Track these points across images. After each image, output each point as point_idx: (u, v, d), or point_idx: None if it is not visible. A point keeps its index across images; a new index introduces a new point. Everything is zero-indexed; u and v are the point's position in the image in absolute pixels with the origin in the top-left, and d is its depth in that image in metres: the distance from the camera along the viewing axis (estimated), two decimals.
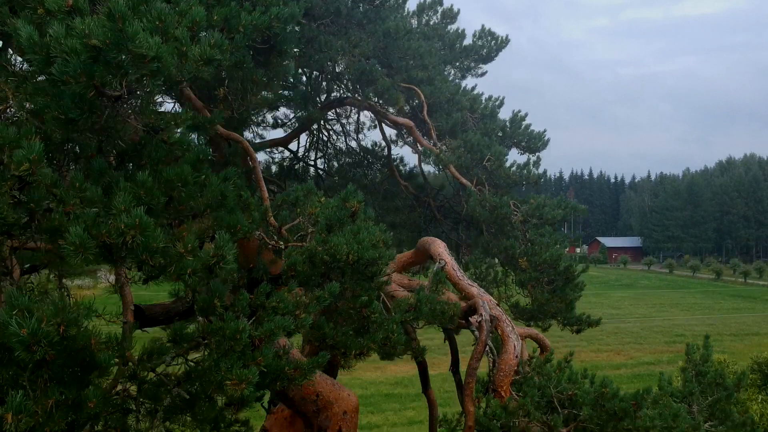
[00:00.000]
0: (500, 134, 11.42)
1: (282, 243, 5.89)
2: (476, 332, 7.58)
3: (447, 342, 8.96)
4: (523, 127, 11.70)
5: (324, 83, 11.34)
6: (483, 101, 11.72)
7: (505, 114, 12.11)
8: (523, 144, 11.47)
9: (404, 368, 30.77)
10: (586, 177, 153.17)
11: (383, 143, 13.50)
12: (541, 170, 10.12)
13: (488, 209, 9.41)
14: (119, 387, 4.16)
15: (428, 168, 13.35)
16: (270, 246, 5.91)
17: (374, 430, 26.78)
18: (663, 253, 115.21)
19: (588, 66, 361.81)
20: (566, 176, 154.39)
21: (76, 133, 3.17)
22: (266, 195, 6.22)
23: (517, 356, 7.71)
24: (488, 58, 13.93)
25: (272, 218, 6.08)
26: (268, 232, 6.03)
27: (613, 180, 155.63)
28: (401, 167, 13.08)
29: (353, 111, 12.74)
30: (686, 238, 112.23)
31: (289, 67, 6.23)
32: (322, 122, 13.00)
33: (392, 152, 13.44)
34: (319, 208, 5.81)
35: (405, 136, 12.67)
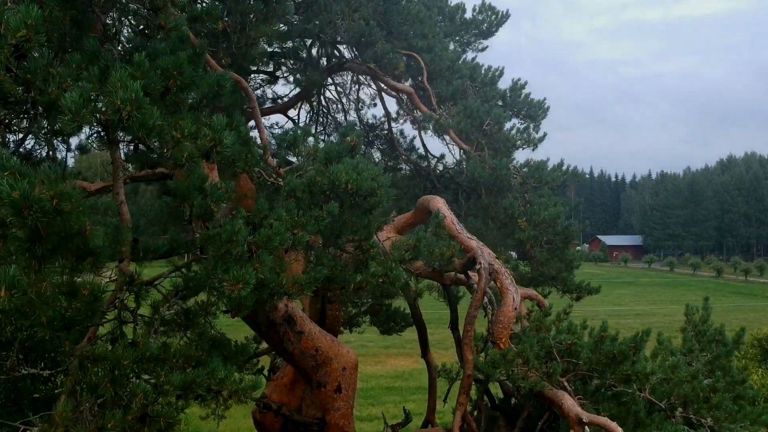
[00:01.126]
0: (500, 103, 11.41)
1: (281, 181, 5.88)
2: (475, 285, 7.57)
3: (446, 300, 8.95)
4: (523, 96, 11.70)
5: (323, 49, 11.32)
6: (483, 71, 11.71)
7: (504, 85, 12.08)
8: (523, 112, 11.47)
9: (404, 362, 30.84)
10: (587, 176, 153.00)
11: (384, 119, 13.51)
12: (540, 134, 10.12)
13: (488, 171, 9.40)
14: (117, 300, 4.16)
15: (430, 143, 13.38)
16: (269, 183, 5.90)
17: (375, 421, 26.78)
18: (664, 252, 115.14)
19: (588, 66, 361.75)
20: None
21: (74, 10, 3.16)
22: (265, 136, 6.22)
23: (516, 308, 7.69)
24: (488, 33, 13.92)
25: (270, 158, 6.07)
26: (268, 172, 6.02)
27: (613, 179, 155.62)
28: (401, 139, 13.08)
29: (353, 87, 12.77)
30: (687, 236, 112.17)
31: (288, 6, 6.22)
32: (322, 97, 13.02)
33: (392, 131, 13.45)
34: (318, 149, 5.80)
35: (405, 108, 12.67)
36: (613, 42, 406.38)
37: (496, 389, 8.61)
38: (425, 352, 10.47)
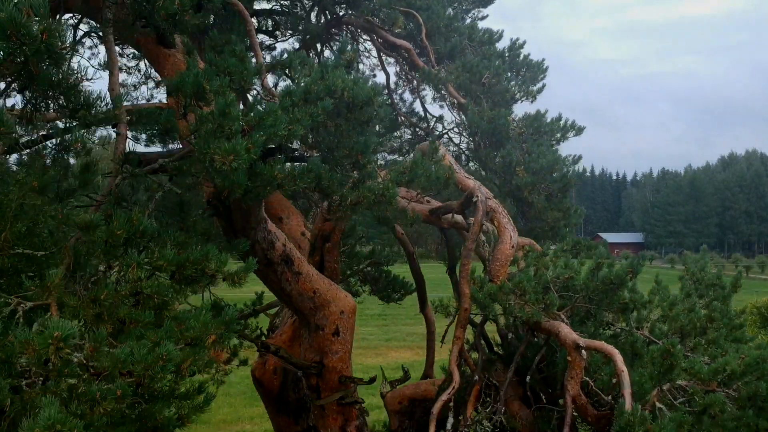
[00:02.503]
0: (498, 62, 11.38)
1: (276, 101, 5.87)
2: (471, 219, 7.58)
3: (444, 241, 8.95)
4: (522, 56, 11.68)
5: (322, 13, 11.33)
6: (481, 32, 11.70)
7: (503, 47, 12.05)
8: (522, 72, 11.44)
9: (404, 354, 30.83)
10: (588, 174, 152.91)
11: (383, 84, 13.49)
12: (539, 85, 10.10)
13: (486, 121, 9.38)
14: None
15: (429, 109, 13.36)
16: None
17: (376, 410, 26.79)
18: (665, 249, 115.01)
19: (589, 65, 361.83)
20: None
21: None
22: (261, 59, 6.21)
23: (513, 246, 7.69)
24: (488, 1, 13.90)
25: (266, 79, 6.07)
26: (264, 93, 6.02)
27: (614, 177, 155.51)
28: (401, 103, 13.08)
29: (352, 45, 12.71)
30: (688, 234, 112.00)
31: None
32: (322, 58, 12.99)
33: (393, 95, 13.44)
34: (312, 64, 5.79)
35: (403, 68, 12.67)
36: (613, 42, 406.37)
37: (493, 333, 8.61)
38: (423, 306, 10.46)
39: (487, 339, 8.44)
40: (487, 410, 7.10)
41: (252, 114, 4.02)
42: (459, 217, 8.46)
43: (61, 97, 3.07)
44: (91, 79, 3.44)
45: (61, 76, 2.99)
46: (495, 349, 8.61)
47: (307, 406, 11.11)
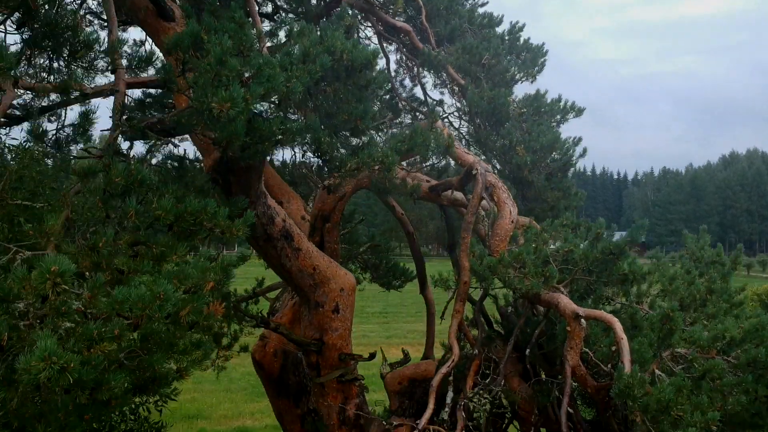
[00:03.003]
0: (498, 43, 11.36)
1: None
2: (470, 194, 7.57)
3: (443, 219, 8.95)
4: (522, 40, 11.67)
5: None
6: (481, 15, 11.69)
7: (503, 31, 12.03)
8: (522, 55, 11.43)
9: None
10: (589, 173, 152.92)
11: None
12: (539, 66, 10.09)
13: (486, 101, 9.38)
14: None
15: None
16: None
17: (380, 406, 26.78)
18: (666, 248, 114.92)
19: (589, 65, 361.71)
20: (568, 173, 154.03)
21: None
22: (260, 27, 6.21)
23: (513, 221, 7.68)
24: None
25: (265, 48, 6.06)
26: None
27: (616, 177, 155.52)
28: (401, 89, 13.05)
29: (352, 30, 12.70)
30: (689, 232, 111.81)
31: None
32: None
33: (393, 80, 13.42)
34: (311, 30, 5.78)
35: (404, 60, 12.66)
36: (613, 42, 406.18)
37: (492, 312, 8.60)
38: (423, 288, 10.46)
39: (486, 316, 8.43)
40: (486, 381, 7.09)
41: (249, 63, 4.01)
42: (459, 195, 8.46)
43: (61, 37, 3.07)
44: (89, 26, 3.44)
45: (59, 16, 2.99)
46: (495, 326, 8.60)
47: (308, 389, 11.11)
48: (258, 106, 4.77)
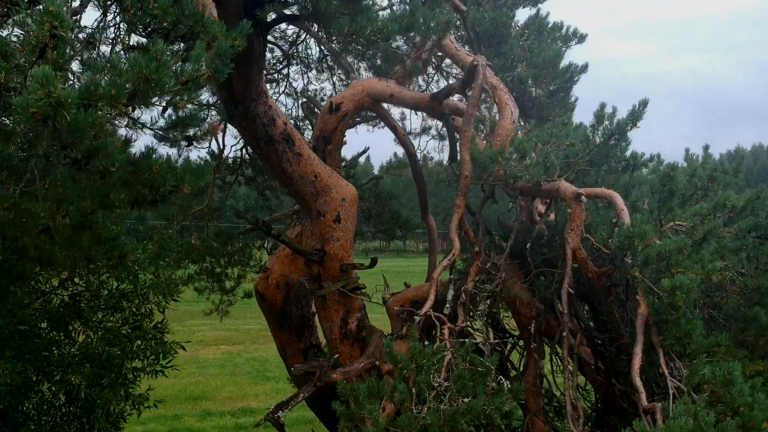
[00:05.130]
0: None
1: None
2: (470, 92, 7.55)
3: (445, 130, 8.93)
4: None
5: None
6: None
7: None
8: None
9: None
10: None
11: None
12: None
13: (488, 22, 9.35)
14: None
15: None
16: None
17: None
18: None
19: (592, 65, 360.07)
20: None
21: None
22: None
23: (514, 122, 7.67)
24: None
25: None
26: None
27: None
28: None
29: None
30: None
31: None
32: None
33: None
34: None
35: None
36: (617, 41, 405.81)
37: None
38: (425, 214, 10.44)
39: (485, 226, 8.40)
40: (484, 277, 7.08)
41: None
42: (461, 105, 8.42)
43: None
44: None
45: None
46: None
47: (310, 322, 11.11)
48: None
